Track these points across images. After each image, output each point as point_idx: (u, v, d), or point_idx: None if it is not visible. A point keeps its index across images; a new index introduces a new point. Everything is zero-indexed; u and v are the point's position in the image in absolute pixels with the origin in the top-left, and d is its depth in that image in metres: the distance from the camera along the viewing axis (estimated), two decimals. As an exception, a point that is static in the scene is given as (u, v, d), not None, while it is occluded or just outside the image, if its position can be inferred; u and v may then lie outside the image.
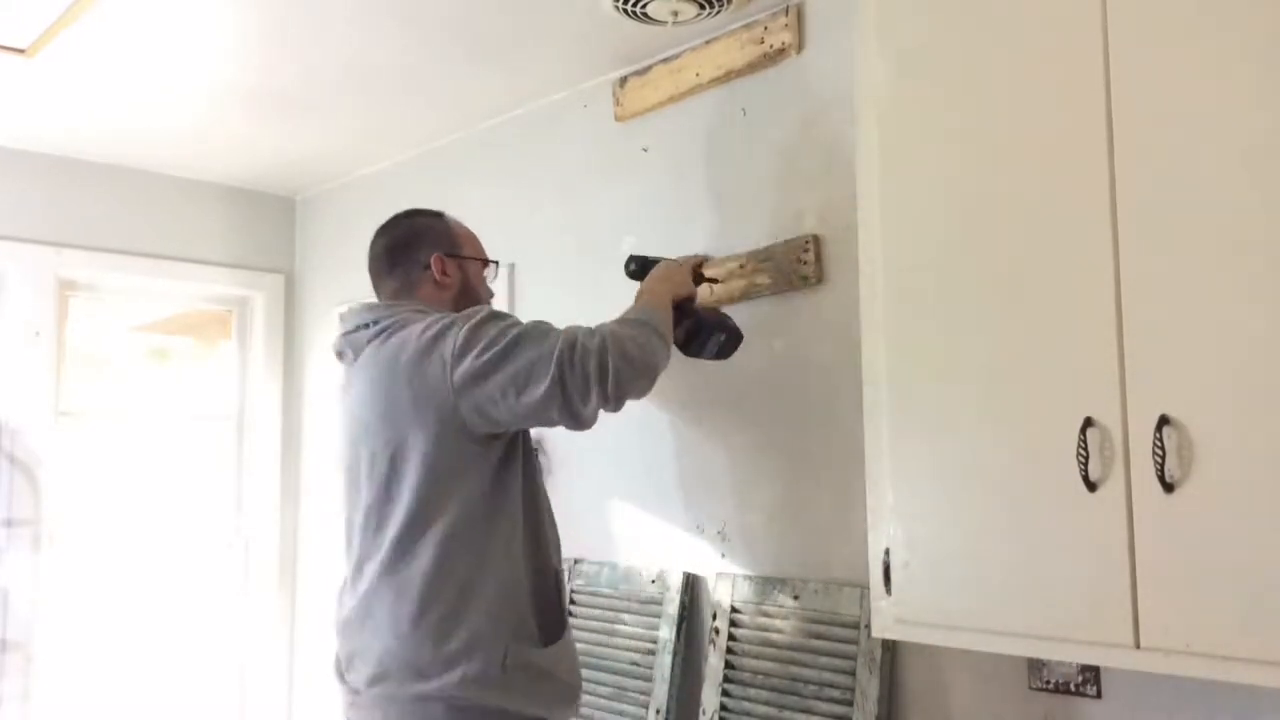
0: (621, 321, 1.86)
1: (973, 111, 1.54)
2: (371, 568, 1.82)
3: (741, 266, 2.24)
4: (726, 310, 2.27)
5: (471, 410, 1.73)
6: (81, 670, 3.23)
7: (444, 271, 1.97)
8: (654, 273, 2.09)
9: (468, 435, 1.75)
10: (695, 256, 2.23)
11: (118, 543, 3.35)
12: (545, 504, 1.92)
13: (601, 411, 1.76)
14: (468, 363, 1.72)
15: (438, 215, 2.08)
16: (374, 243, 2.05)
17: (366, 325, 1.91)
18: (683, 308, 2.06)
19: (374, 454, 1.83)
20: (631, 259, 2.20)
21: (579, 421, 1.75)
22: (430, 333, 1.78)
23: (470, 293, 2.01)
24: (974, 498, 1.49)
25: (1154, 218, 1.32)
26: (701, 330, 2.11)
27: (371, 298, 2.06)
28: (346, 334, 1.97)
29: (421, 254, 1.97)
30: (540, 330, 1.77)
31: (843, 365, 2.02)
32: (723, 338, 2.13)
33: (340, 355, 1.99)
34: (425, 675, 1.71)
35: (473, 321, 1.76)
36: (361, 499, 1.88)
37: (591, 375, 1.70)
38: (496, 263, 2.11)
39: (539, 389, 1.69)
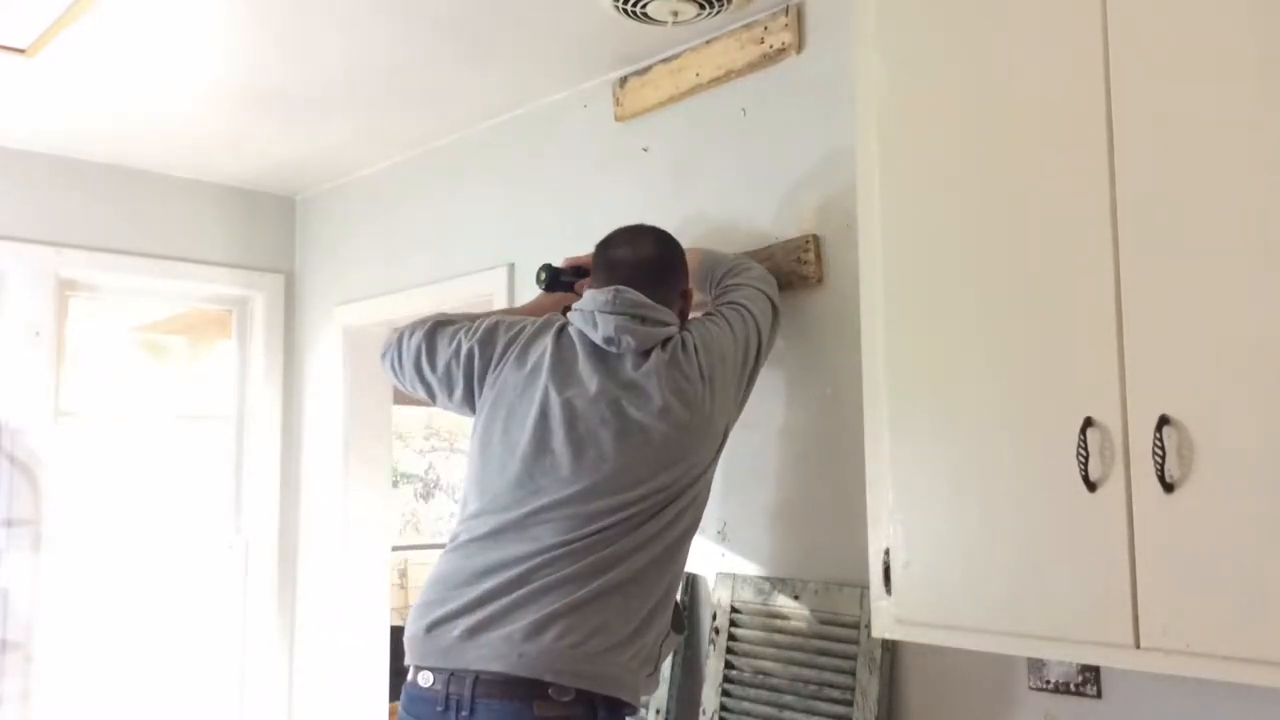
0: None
1: (972, 111, 1.54)
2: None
3: (741, 266, 2.24)
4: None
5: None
6: (81, 670, 3.23)
7: (686, 303, 2.04)
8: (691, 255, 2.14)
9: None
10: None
11: (117, 543, 3.36)
12: None
13: None
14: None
15: (677, 242, 2.10)
16: (642, 242, 2.02)
17: (646, 320, 1.87)
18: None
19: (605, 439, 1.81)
20: (544, 268, 2.19)
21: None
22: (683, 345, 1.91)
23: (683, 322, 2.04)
24: (974, 497, 1.49)
25: (1154, 217, 1.32)
26: None
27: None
28: (639, 319, 1.86)
29: (681, 279, 2.03)
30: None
31: (843, 365, 2.02)
32: None
33: (612, 341, 1.85)
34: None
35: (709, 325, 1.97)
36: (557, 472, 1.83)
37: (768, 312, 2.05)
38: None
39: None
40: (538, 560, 1.75)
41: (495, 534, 1.81)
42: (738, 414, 1.99)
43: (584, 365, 1.88)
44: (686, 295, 2.03)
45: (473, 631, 1.72)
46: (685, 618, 2.04)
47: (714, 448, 1.92)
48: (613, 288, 1.88)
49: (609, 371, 1.86)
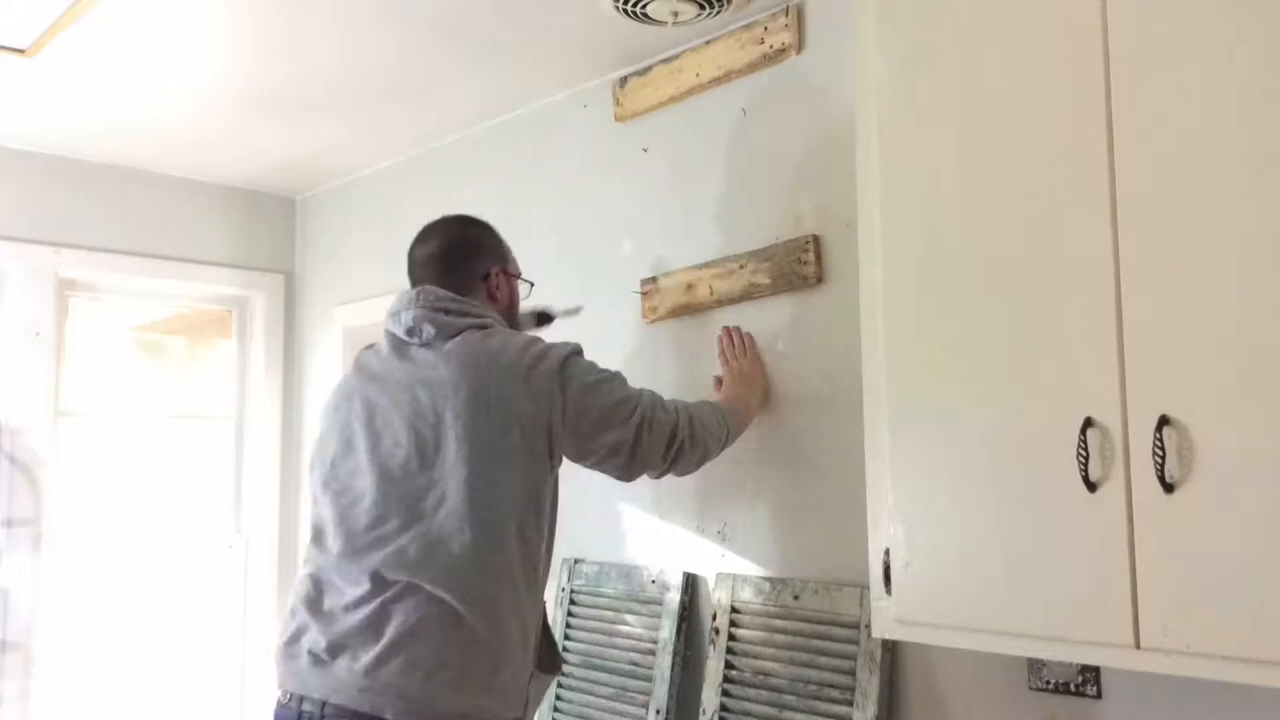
0: (709, 406, 2.02)
1: (972, 111, 1.54)
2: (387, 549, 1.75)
3: (741, 266, 2.24)
4: (727, 308, 2.27)
5: (567, 431, 1.81)
6: (81, 670, 3.23)
7: (499, 286, 2.01)
8: (748, 380, 2.15)
9: (544, 455, 1.80)
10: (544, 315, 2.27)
11: (117, 543, 3.35)
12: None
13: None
14: (578, 386, 1.82)
15: (490, 226, 2.10)
16: (424, 242, 2.04)
17: (450, 312, 1.87)
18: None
19: (420, 431, 1.77)
20: (534, 314, 2.23)
21: (630, 473, 1.89)
22: (537, 348, 1.83)
23: (515, 310, 2.08)
24: (974, 498, 1.49)
25: (1154, 217, 1.32)
26: None
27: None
28: (431, 309, 1.87)
29: (481, 264, 2.00)
30: (624, 382, 1.90)
31: (843, 365, 2.02)
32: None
33: (413, 331, 1.87)
34: None
35: (573, 351, 1.87)
36: (368, 469, 1.81)
37: (661, 440, 1.86)
38: (531, 283, 2.18)
39: (620, 432, 1.83)
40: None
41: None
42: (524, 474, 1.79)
43: (386, 361, 1.90)
44: (497, 275, 2.00)
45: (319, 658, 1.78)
46: (558, 659, 1.93)
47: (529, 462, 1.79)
48: (418, 288, 1.93)
49: (411, 362, 1.86)
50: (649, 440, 1.85)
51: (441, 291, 1.91)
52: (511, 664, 1.73)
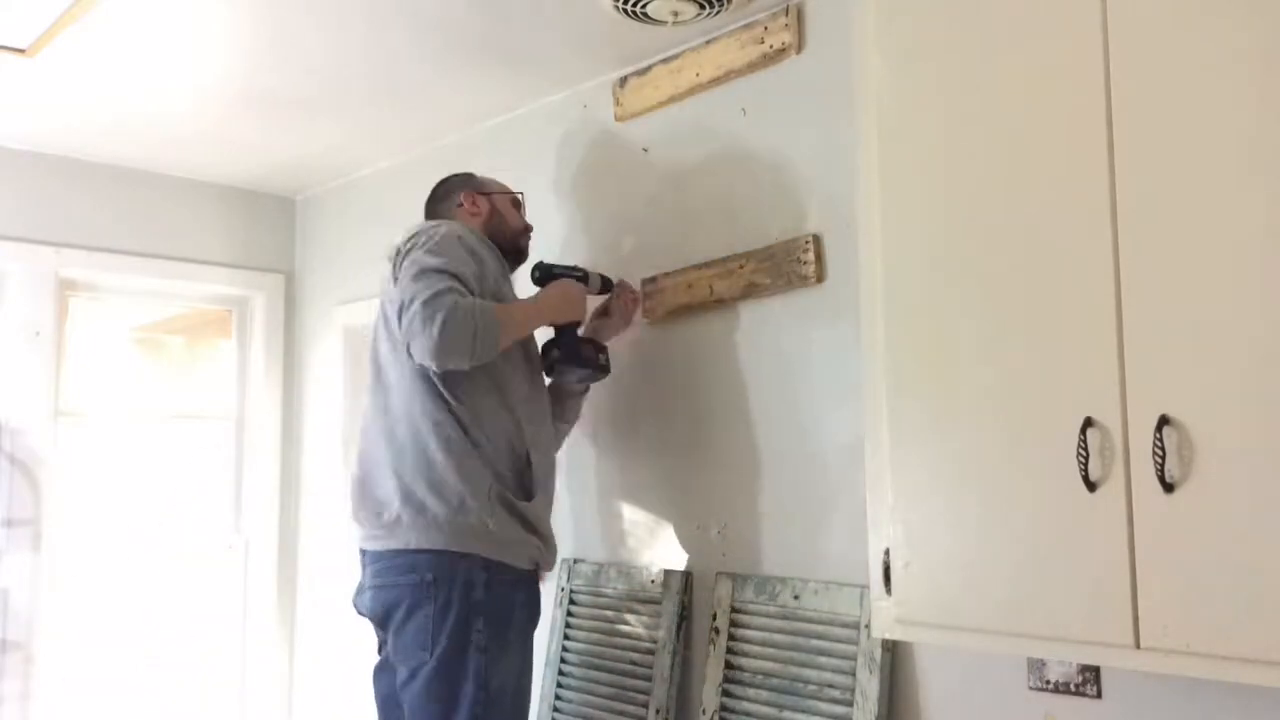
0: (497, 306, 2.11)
1: (972, 111, 1.54)
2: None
3: (741, 266, 2.24)
4: (727, 308, 2.27)
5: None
6: (81, 670, 3.23)
7: (474, 203, 2.32)
8: (553, 287, 2.31)
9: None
10: (607, 281, 2.43)
11: (117, 542, 3.35)
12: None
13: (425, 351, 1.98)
14: (399, 266, 2.08)
15: (466, 174, 2.41)
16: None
17: (411, 232, 2.16)
18: (563, 330, 2.30)
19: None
20: (537, 266, 2.36)
21: (408, 348, 2.01)
22: (416, 237, 2.10)
23: (499, 216, 2.34)
24: (974, 498, 1.49)
25: (1154, 217, 1.32)
26: (569, 358, 2.30)
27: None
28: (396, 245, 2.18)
29: (453, 198, 2.34)
30: (428, 278, 2.00)
31: (842, 365, 2.02)
32: (584, 372, 2.35)
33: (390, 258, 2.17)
34: None
35: (411, 252, 2.07)
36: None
37: (426, 326, 1.95)
38: (521, 194, 2.44)
39: (405, 319, 1.98)
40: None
41: None
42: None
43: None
44: (467, 196, 2.32)
45: None
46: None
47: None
48: None
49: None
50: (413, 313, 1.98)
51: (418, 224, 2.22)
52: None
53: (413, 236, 2.11)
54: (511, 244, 2.34)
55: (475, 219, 2.30)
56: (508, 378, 2.14)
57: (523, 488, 2.12)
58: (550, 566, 2.20)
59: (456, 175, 2.41)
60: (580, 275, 2.36)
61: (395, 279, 2.07)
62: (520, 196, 2.44)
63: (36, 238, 3.17)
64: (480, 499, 2.04)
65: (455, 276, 2.01)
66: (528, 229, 2.41)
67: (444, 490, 2.03)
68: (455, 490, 2.03)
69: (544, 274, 2.33)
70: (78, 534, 3.26)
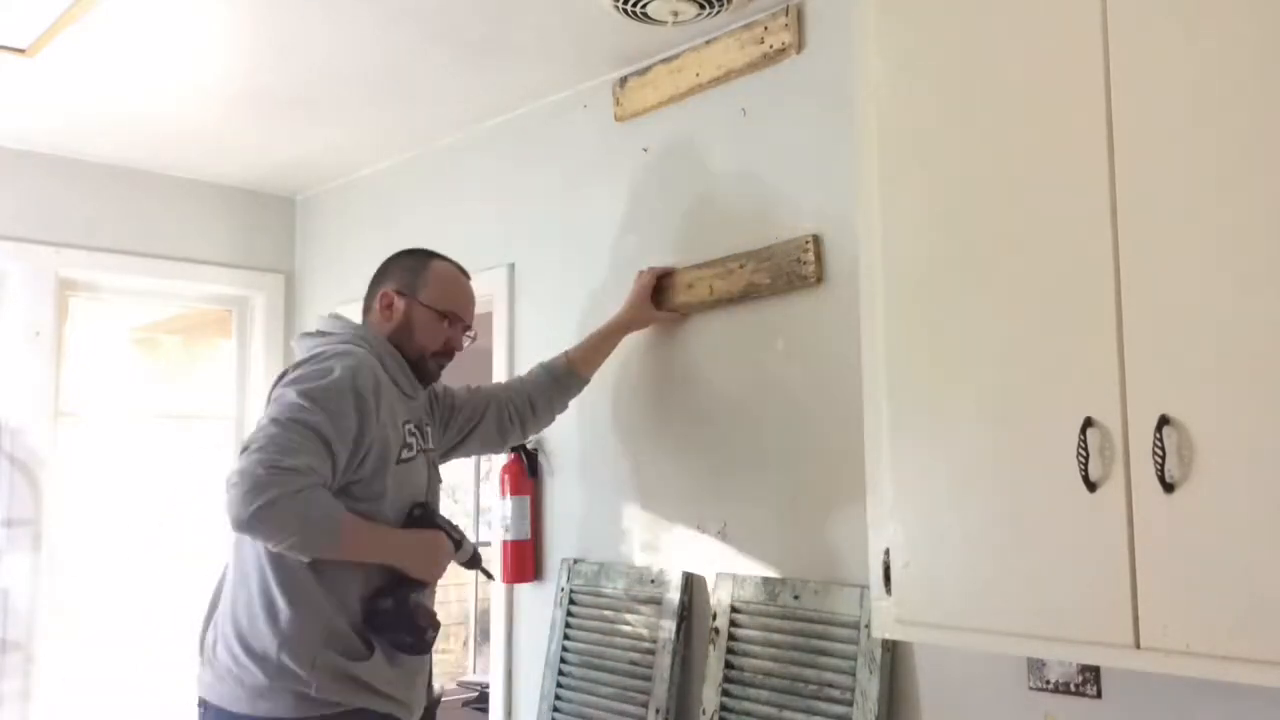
0: (351, 516, 1.83)
1: (972, 111, 1.54)
2: None
3: (741, 266, 2.25)
4: (727, 308, 2.27)
5: None
6: (81, 670, 3.23)
7: (388, 307, 2.07)
8: (424, 538, 1.97)
9: None
10: (477, 556, 2.07)
11: (117, 542, 3.35)
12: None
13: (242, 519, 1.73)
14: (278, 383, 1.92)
15: (427, 257, 2.14)
16: None
17: (309, 334, 2.06)
18: (404, 587, 1.92)
19: None
20: (419, 505, 2.00)
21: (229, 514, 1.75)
22: (296, 373, 1.90)
23: (408, 333, 2.06)
24: (974, 498, 1.49)
25: (1154, 217, 1.32)
26: (395, 623, 1.92)
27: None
28: (300, 335, 2.09)
29: (385, 284, 2.10)
30: (289, 436, 1.75)
31: (842, 365, 2.02)
32: (404, 642, 1.93)
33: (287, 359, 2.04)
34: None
35: (294, 383, 1.85)
36: None
37: (251, 494, 1.69)
38: (468, 327, 2.14)
39: (240, 463, 1.73)
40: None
41: None
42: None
43: None
44: (385, 296, 2.07)
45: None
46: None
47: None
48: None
49: None
50: (236, 479, 1.72)
51: (323, 317, 2.10)
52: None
53: (306, 361, 1.91)
54: (416, 361, 2.06)
55: (384, 325, 2.06)
56: (378, 515, 1.90)
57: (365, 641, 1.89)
58: None
59: (414, 254, 2.14)
60: (458, 539, 2.02)
61: (269, 398, 1.90)
62: (464, 328, 2.13)
63: (36, 238, 3.17)
64: (303, 659, 1.82)
65: (322, 443, 1.77)
66: (443, 352, 2.10)
67: (265, 642, 1.83)
68: (276, 643, 1.82)
69: (423, 516, 1.99)
70: (78, 534, 3.26)
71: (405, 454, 1.96)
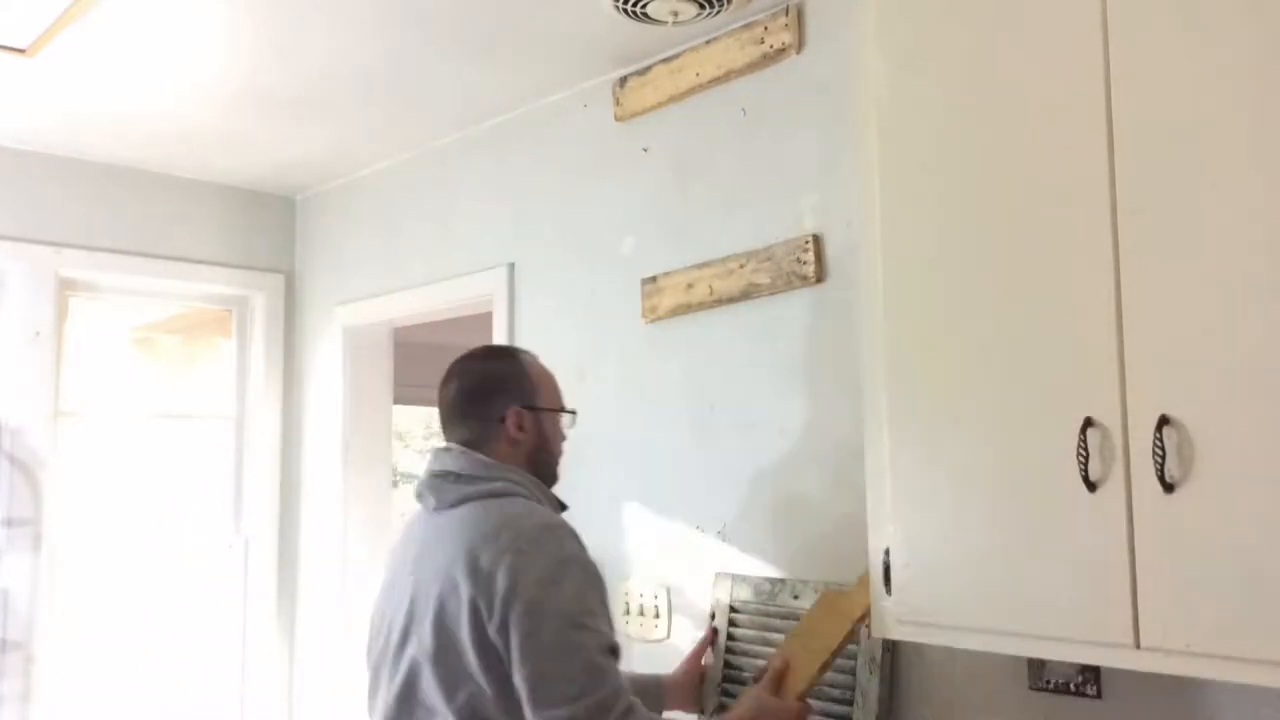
0: None
1: (972, 111, 1.54)
2: None
3: (741, 266, 2.25)
4: (727, 308, 2.27)
5: (497, 655, 1.59)
6: (81, 670, 3.23)
7: (520, 427, 1.80)
8: (754, 706, 1.76)
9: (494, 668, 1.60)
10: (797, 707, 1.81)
11: (117, 542, 3.35)
12: None
13: None
14: (524, 620, 1.56)
15: (513, 356, 1.90)
16: (447, 384, 1.86)
17: (460, 477, 1.75)
18: None
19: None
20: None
21: None
22: (527, 541, 1.63)
23: (546, 448, 1.84)
24: (974, 498, 1.49)
25: (1154, 217, 1.32)
26: None
27: None
28: (433, 475, 1.78)
29: (497, 405, 1.80)
30: (608, 666, 1.57)
31: (842, 365, 2.02)
32: None
33: (420, 497, 1.80)
34: None
35: (548, 572, 1.60)
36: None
37: None
38: (574, 413, 1.92)
39: (554, 712, 1.53)
40: None
41: None
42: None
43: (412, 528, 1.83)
44: (516, 415, 1.79)
45: None
46: None
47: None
48: (438, 449, 1.83)
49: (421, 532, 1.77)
50: None
51: (454, 450, 1.78)
52: None
53: (513, 558, 1.59)
54: (551, 477, 1.87)
55: (518, 448, 1.80)
56: None
57: None
58: None
59: (500, 358, 1.91)
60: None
61: (493, 616, 1.56)
62: (573, 416, 1.91)
63: (36, 238, 3.17)
64: None
65: (612, 651, 1.58)
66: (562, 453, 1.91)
67: None
68: None
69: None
70: (78, 534, 3.26)
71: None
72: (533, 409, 1.81)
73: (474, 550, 1.61)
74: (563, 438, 1.89)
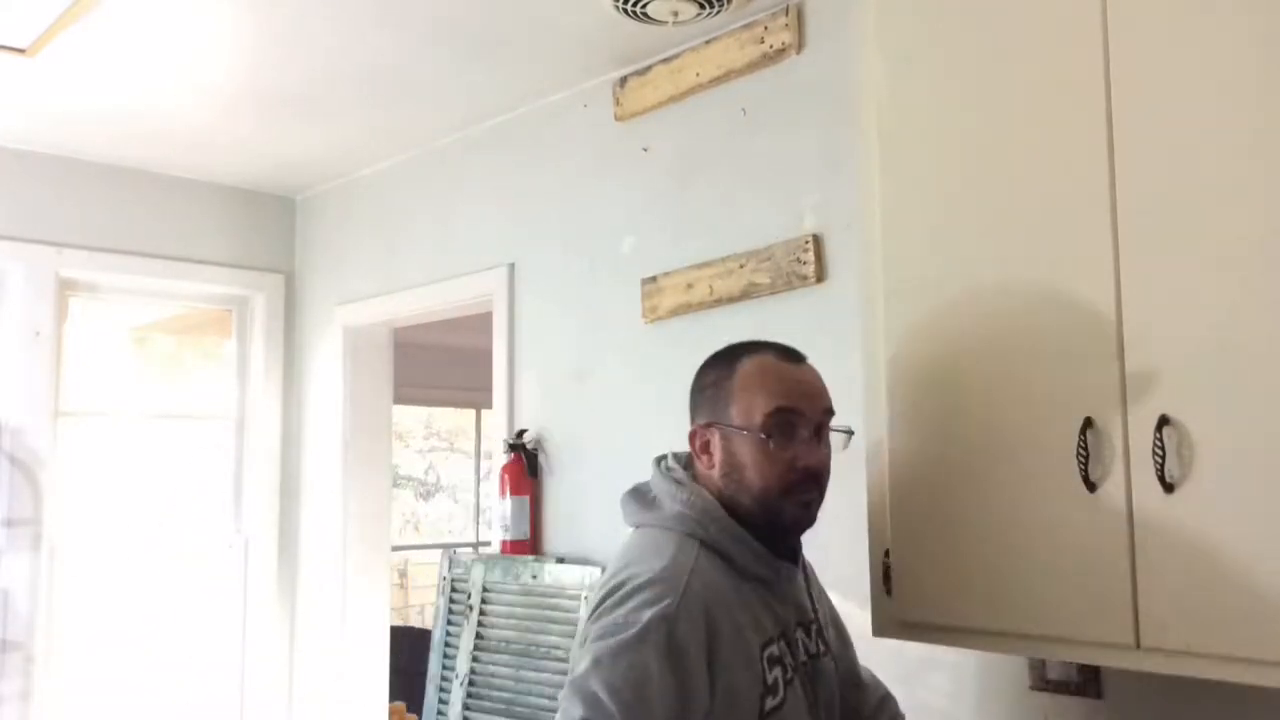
0: None
1: (972, 111, 1.54)
2: None
3: (741, 266, 2.25)
4: (727, 308, 2.27)
5: None
6: (81, 670, 3.23)
7: (705, 449, 1.46)
8: None
9: None
10: None
11: (117, 542, 3.35)
12: None
13: None
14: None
15: (734, 357, 1.48)
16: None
17: (641, 502, 1.50)
18: None
19: None
20: None
21: None
22: (622, 578, 1.35)
23: (739, 475, 1.42)
24: (974, 498, 1.49)
25: (1154, 216, 1.32)
26: None
27: None
28: (630, 495, 1.54)
29: (692, 423, 1.50)
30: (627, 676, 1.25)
31: (843, 365, 2.02)
32: None
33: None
34: None
35: (596, 643, 1.29)
36: None
37: None
38: (821, 425, 1.45)
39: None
40: None
41: None
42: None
43: None
44: (700, 432, 1.47)
45: None
46: None
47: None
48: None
49: None
50: None
51: (654, 471, 1.52)
52: None
53: (614, 594, 1.33)
54: (763, 516, 1.43)
55: (710, 472, 1.45)
56: None
57: None
58: None
59: (706, 368, 1.52)
60: None
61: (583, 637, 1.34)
62: (791, 427, 1.41)
63: (36, 238, 3.18)
64: None
65: None
66: (800, 482, 1.43)
67: None
68: None
69: None
70: (78, 534, 3.26)
71: (770, 701, 1.34)
72: (719, 426, 1.44)
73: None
74: (786, 463, 1.41)
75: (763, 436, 1.40)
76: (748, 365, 1.46)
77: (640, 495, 1.51)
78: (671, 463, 1.52)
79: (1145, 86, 1.34)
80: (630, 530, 1.49)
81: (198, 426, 3.59)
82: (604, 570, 1.46)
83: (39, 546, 3.11)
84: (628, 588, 1.33)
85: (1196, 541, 1.26)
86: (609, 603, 1.33)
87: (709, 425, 1.46)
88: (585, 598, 2.26)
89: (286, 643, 3.56)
